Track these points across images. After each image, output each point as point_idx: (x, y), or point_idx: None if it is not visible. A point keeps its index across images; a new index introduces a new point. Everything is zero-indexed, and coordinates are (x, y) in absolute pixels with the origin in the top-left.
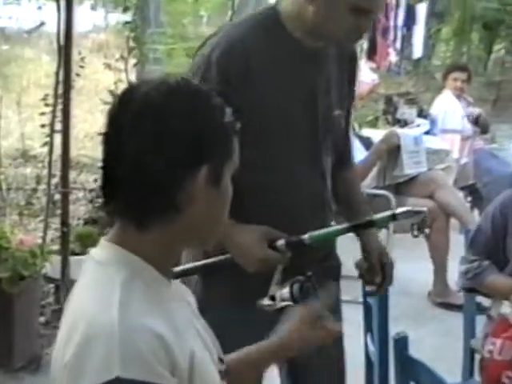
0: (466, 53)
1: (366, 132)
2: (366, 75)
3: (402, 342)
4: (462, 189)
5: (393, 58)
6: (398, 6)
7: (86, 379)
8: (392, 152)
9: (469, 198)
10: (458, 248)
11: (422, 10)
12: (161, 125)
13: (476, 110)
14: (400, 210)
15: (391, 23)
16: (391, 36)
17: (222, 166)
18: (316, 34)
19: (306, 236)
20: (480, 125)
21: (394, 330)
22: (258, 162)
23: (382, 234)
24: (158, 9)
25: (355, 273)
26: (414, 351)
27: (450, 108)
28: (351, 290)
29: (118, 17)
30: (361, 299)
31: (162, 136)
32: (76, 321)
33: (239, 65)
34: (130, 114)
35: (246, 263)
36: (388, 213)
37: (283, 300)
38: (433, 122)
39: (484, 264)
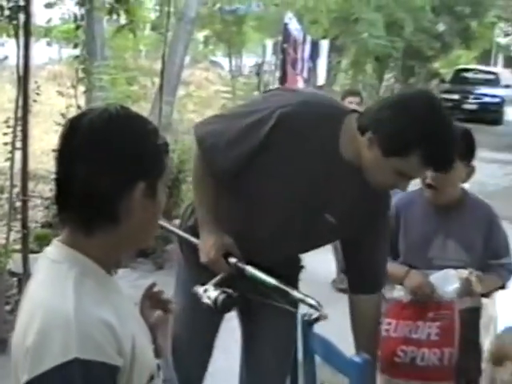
0: (361, 81)
1: None
2: None
3: (306, 321)
4: None
5: (300, 84)
6: (304, 41)
7: (47, 361)
8: None
9: None
10: None
11: (324, 46)
12: (102, 148)
13: None
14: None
15: (299, 56)
16: (299, 66)
17: (156, 182)
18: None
19: (248, 268)
20: None
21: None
22: (254, 197)
23: None
24: (103, 44)
25: None
26: (321, 330)
27: None
28: None
29: (70, 51)
30: None
31: (103, 157)
32: (34, 311)
33: (287, 134)
34: (77, 138)
35: (202, 254)
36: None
37: (208, 298)
38: None
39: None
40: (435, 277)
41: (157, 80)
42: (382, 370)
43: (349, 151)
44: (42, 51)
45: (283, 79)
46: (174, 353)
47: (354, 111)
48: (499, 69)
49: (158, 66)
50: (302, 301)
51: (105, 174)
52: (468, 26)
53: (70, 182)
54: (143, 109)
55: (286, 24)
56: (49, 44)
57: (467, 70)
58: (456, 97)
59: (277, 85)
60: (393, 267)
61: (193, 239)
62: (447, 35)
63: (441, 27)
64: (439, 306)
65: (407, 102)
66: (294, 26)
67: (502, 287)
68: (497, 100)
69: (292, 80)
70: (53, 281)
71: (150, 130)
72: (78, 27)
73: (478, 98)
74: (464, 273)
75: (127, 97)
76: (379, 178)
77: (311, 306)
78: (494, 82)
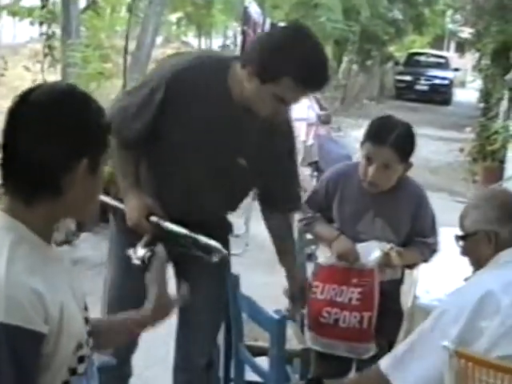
0: None
1: None
2: None
3: (234, 281)
4: (308, 165)
5: None
6: (264, 24)
7: None
8: None
9: (314, 173)
10: None
11: None
12: (49, 124)
13: (323, 112)
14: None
15: None
16: None
17: (99, 158)
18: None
19: (166, 223)
20: (325, 119)
21: (253, 275)
22: (166, 157)
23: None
24: (78, 24)
25: None
26: (270, 291)
27: None
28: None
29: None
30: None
31: (49, 131)
32: None
33: (180, 92)
34: (25, 110)
35: (127, 218)
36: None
37: (137, 258)
38: None
39: (316, 215)
40: (360, 246)
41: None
42: (310, 327)
43: (238, 91)
44: (25, 30)
45: None
46: (109, 313)
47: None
48: (450, 53)
49: (132, 45)
50: (208, 244)
51: (50, 147)
52: (421, 13)
53: (14, 152)
54: (115, 85)
55: (246, 7)
56: (32, 23)
57: (420, 54)
58: (409, 78)
59: None
60: (325, 229)
61: (120, 205)
62: (401, 21)
63: (395, 13)
64: (362, 273)
65: (273, 33)
66: (254, 10)
67: (424, 261)
68: (446, 82)
69: None
70: None
71: (96, 109)
72: (43, 7)
73: (429, 80)
74: (386, 247)
75: (99, 73)
76: (262, 106)
77: (215, 248)
78: (444, 65)
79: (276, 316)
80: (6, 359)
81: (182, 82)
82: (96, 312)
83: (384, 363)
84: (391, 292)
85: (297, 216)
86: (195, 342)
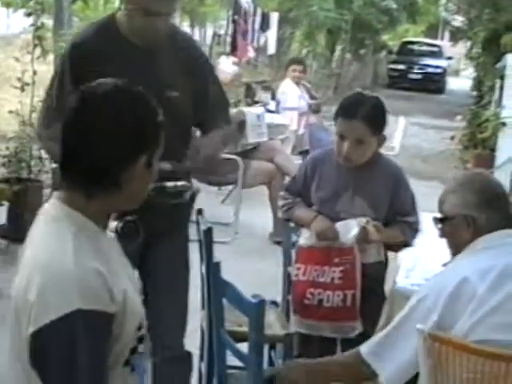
0: (313, 51)
1: None
2: (229, 67)
3: (215, 267)
4: (299, 153)
5: (251, 53)
6: (255, 13)
7: (51, 312)
8: (240, 125)
9: None
10: None
11: (274, 18)
12: (110, 124)
13: (314, 101)
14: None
15: (249, 27)
16: (250, 36)
17: (154, 154)
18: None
19: None
20: (316, 108)
21: (242, 263)
22: None
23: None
24: (70, 15)
25: None
26: (257, 278)
27: (290, 91)
28: None
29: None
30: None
31: (111, 133)
32: (35, 265)
33: (82, 59)
34: (89, 112)
35: None
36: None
37: (111, 230)
38: (278, 103)
39: (296, 200)
40: (339, 224)
41: None
42: (295, 310)
43: (125, 25)
44: (19, 21)
45: (233, 48)
46: None
47: None
48: (443, 42)
49: None
50: (176, 185)
51: (111, 146)
52: (414, 1)
53: (76, 150)
54: None
55: None
56: (26, 14)
57: (413, 43)
58: (402, 67)
59: (226, 55)
60: (303, 211)
61: None
62: (395, 10)
63: (389, 2)
64: (342, 251)
65: None
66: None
67: (408, 245)
68: (439, 70)
69: (242, 49)
70: (52, 237)
71: (152, 107)
72: None
73: (422, 69)
74: (362, 221)
75: None
76: (139, 28)
77: (183, 186)
78: (438, 53)
79: (254, 300)
80: (85, 344)
81: (82, 47)
82: None
83: (365, 349)
84: (375, 275)
85: (278, 203)
86: (171, 317)
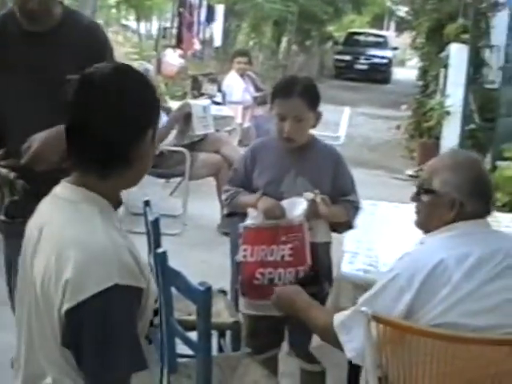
0: (259, 43)
1: (173, 104)
2: (175, 60)
3: (162, 256)
4: (246, 146)
5: (197, 46)
6: (200, 6)
7: (89, 288)
8: (186, 118)
9: None
10: None
11: (220, 10)
12: (118, 103)
13: (259, 93)
14: None
15: (195, 19)
16: (195, 29)
17: (156, 127)
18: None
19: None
20: (261, 100)
21: (191, 254)
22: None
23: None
24: None
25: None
26: (206, 269)
27: (234, 84)
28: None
29: None
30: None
31: (119, 112)
32: (65, 247)
33: None
34: (92, 91)
35: None
36: None
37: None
38: (224, 95)
39: (239, 190)
40: (285, 202)
41: None
42: (243, 293)
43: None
44: None
45: (179, 41)
46: None
47: None
48: (389, 32)
49: None
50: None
51: (120, 125)
52: None
53: (85, 132)
54: None
55: None
56: None
57: (359, 34)
58: (348, 58)
59: (172, 48)
60: (248, 196)
61: None
62: (340, 1)
63: None
64: (290, 229)
65: None
66: None
67: (351, 226)
68: (385, 61)
69: (188, 41)
70: (79, 218)
71: (151, 83)
72: None
73: (368, 59)
74: (310, 195)
75: None
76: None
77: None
78: (383, 44)
79: (201, 287)
80: (122, 318)
81: None
82: None
83: (337, 319)
84: (325, 255)
85: (223, 197)
86: None
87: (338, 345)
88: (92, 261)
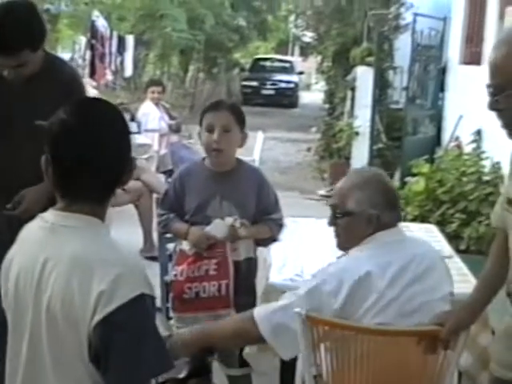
0: (167, 72)
1: None
2: (89, 91)
3: None
4: (163, 173)
5: (109, 77)
6: (111, 37)
7: (120, 297)
8: None
9: (169, 180)
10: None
11: (130, 40)
12: (111, 135)
13: (173, 121)
14: None
15: (107, 50)
16: (107, 60)
17: None
18: None
19: None
20: (176, 127)
21: None
22: None
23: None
24: None
25: None
26: None
27: (150, 113)
28: None
29: None
30: None
31: (113, 143)
32: (90, 267)
33: None
34: (84, 126)
35: None
36: None
37: None
38: (139, 125)
39: (171, 216)
40: (209, 228)
41: None
42: (173, 308)
43: None
44: None
45: (92, 72)
46: None
47: None
48: (295, 57)
49: None
50: None
51: (116, 155)
52: (264, 19)
53: (81, 163)
54: None
55: (93, 21)
56: None
57: (265, 60)
58: (255, 83)
59: (87, 77)
60: (178, 226)
61: None
62: (245, 28)
63: (240, 21)
64: (213, 246)
65: None
66: (101, 23)
67: (275, 240)
68: (291, 85)
69: (100, 72)
70: (93, 241)
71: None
72: None
73: (275, 84)
74: (229, 220)
75: None
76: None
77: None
78: (289, 69)
79: None
80: (151, 324)
81: None
82: None
83: (257, 310)
84: (246, 270)
85: (157, 219)
86: None
87: (260, 340)
88: (128, 274)
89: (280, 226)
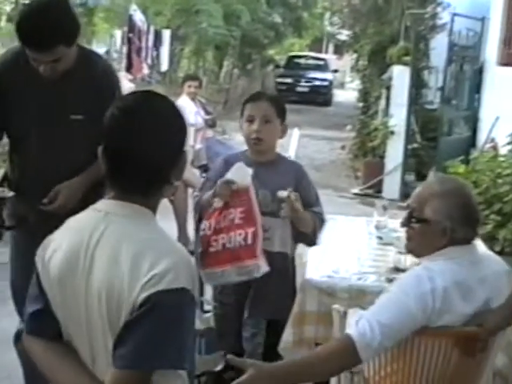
0: (202, 67)
1: None
2: (125, 84)
3: None
4: (198, 167)
5: (145, 71)
6: (148, 31)
7: (167, 282)
8: None
9: (203, 175)
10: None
11: (166, 35)
12: (161, 130)
13: (209, 116)
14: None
15: (143, 45)
16: (144, 54)
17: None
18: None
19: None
20: (211, 122)
21: None
22: (17, 145)
23: None
24: None
25: None
26: None
27: (186, 107)
28: None
29: None
30: None
31: (162, 138)
32: (140, 253)
33: (2, 73)
34: (136, 119)
35: None
36: None
37: None
38: None
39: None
40: (230, 174)
41: None
42: (202, 265)
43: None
44: None
45: (129, 66)
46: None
47: None
48: (329, 55)
49: None
50: None
51: (164, 150)
52: (300, 16)
53: (130, 156)
54: None
55: (130, 15)
56: None
57: (299, 57)
58: (289, 80)
59: (123, 71)
60: (207, 193)
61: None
62: (281, 25)
63: (275, 17)
64: (237, 194)
65: None
66: (139, 17)
67: (315, 238)
68: (326, 83)
69: (137, 66)
70: (145, 229)
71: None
72: None
73: (309, 82)
74: (284, 193)
75: None
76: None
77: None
78: (324, 67)
79: None
80: (187, 319)
81: (4, 64)
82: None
83: (358, 340)
84: (283, 267)
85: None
86: None
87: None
88: (177, 263)
89: (322, 220)
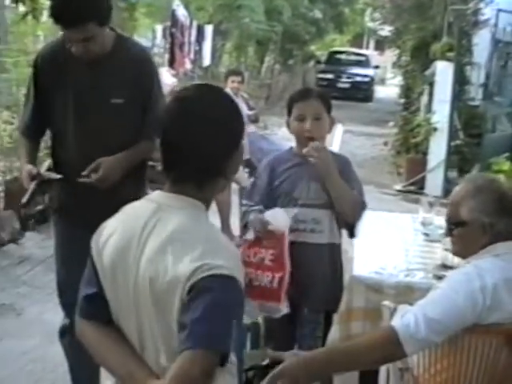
0: (244, 62)
1: None
2: (168, 79)
3: None
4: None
5: (188, 65)
6: (191, 26)
7: (218, 268)
8: None
9: (246, 170)
10: (235, 205)
11: (208, 30)
12: (217, 123)
13: (252, 111)
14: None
15: (186, 39)
16: (186, 49)
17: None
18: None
19: (49, 175)
20: (254, 118)
21: None
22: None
23: None
24: (6, 31)
25: None
26: None
27: None
28: None
29: None
30: None
31: (218, 131)
32: (190, 243)
33: (39, 70)
34: (194, 113)
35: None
36: None
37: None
38: None
39: (254, 207)
40: (268, 214)
41: None
42: None
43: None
44: None
45: (172, 61)
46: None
47: None
48: (370, 51)
49: None
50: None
51: (219, 143)
52: (341, 12)
53: (186, 148)
54: None
55: (173, 10)
56: None
57: (340, 52)
58: (330, 76)
59: (166, 66)
60: (252, 215)
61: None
62: (322, 20)
63: (316, 13)
64: (272, 235)
65: None
66: (181, 12)
67: (354, 227)
68: (367, 79)
69: (180, 61)
70: (197, 221)
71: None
72: None
73: (351, 78)
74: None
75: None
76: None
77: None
78: (365, 63)
79: None
80: (235, 306)
81: (40, 59)
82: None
83: (401, 332)
84: (331, 259)
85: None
86: None
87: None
88: (228, 255)
89: (363, 203)
